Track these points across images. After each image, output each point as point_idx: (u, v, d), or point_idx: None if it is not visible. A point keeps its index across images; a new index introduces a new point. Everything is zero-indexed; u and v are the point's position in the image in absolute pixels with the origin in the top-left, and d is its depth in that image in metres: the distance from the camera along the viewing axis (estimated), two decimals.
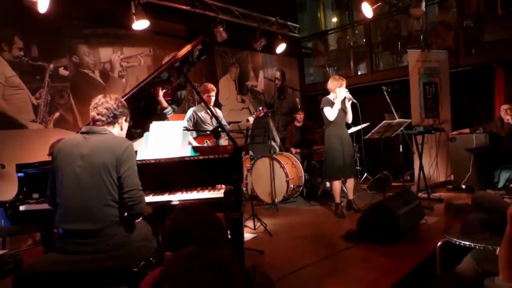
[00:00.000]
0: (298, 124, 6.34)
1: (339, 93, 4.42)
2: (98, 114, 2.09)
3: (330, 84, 4.51)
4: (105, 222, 1.95)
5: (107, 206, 1.96)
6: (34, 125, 4.30)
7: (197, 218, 1.38)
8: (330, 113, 4.43)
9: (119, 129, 2.19)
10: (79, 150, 2.00)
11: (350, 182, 4.72)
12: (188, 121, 4.23)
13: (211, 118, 4.23)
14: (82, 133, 2.09)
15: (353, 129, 5.38)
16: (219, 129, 3.74)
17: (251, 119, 4.51)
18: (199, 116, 4.27)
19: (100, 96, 2.15)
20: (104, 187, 1.96)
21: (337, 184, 4.60)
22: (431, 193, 5.15)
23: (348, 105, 4.49)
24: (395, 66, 7.46)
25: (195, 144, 3.89)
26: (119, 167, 1.98)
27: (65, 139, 2.13)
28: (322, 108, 4.50)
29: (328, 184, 5.60)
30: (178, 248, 1.05)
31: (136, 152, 2.65)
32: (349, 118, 4.56)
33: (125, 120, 2.22)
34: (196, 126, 4.23)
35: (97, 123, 2.11)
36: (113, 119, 2.13)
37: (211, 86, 4.24)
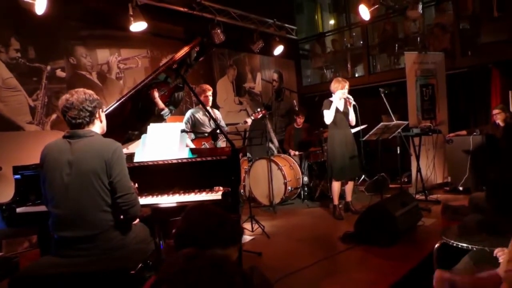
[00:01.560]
0: (297, 126, 6.36)
1: (334, 96, 4.44)
2: (73, 118, 1.95)
3: (332, 86, 4.51)
4: (100, 228, 1.91)
5: (101, 212, 1.92)
6: (31, 126, 4.28)
7: (215, 216, 1.40)
8: (326, 115, 4.45)
9: (100, 123, 2.08)
10: (65, 156, 1.91)
11: (350, 184, 4.72)
12: (186, 123, 4.22)
13: (209, 120, 4.22)
14: (66, 137, 1.98)
15: (352, 131, 5.37)
16: (217, 130, 3.74)
17: (249, 120, 4.50)
18: (196, 118, 4.26)
19: (66, 96, 1.97)
20: (96, 194, 1.90)
21: (336, 186, 4.60)
22: (428, 194, 5.15)
23: (350, 107, 4.49)
24: (392, 68, 7.48)
25: (192, 146, 3.89)
26: (110, 171, 1.91)
27: (50, 144, 2.00)
28: (323, 110, 4.51)
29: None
30: (195, 246, 1.06)
31: (133, 154, 2.66)
32: (352, 120, 4.54)
33: (102, 111, 2.09)
34: (194, 128, 4.22)
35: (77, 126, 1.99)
36: (90, 118, 2.00)
37: (206, 86, 4.24)
